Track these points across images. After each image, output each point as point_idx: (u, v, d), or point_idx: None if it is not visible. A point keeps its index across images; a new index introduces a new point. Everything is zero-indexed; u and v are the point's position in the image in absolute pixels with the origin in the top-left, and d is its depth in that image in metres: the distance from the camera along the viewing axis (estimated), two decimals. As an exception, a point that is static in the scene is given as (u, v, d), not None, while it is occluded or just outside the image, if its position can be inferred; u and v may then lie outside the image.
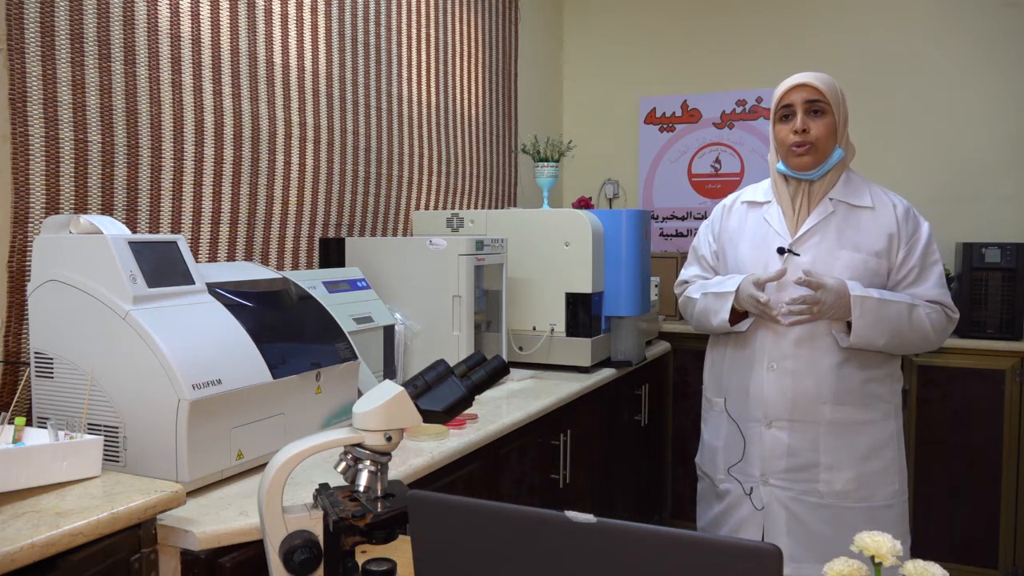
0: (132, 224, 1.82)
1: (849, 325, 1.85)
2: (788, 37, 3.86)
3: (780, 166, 1.97)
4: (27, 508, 1.09)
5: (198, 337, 1.37)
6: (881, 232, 1.90)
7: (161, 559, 1.18)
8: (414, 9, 2.87)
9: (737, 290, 1.92)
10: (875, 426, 1.92)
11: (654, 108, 4.18)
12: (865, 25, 3.72)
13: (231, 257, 2.12)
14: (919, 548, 3.14)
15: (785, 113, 1.92)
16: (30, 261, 1.55)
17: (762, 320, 1.94)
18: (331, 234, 2.50)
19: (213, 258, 2.06)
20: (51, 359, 1.38)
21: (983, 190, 3.54)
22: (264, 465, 1.11)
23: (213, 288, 1.52)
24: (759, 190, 2.08)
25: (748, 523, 1.99)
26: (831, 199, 1.93)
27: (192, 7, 1.96)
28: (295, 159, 2.31)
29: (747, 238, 2.02)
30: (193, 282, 1.47)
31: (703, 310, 2.04)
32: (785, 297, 1.87)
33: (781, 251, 1.92)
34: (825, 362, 1.90)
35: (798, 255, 1.91)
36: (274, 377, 1.45)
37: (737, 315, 1.96)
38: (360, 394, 1.63)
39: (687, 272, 2.21)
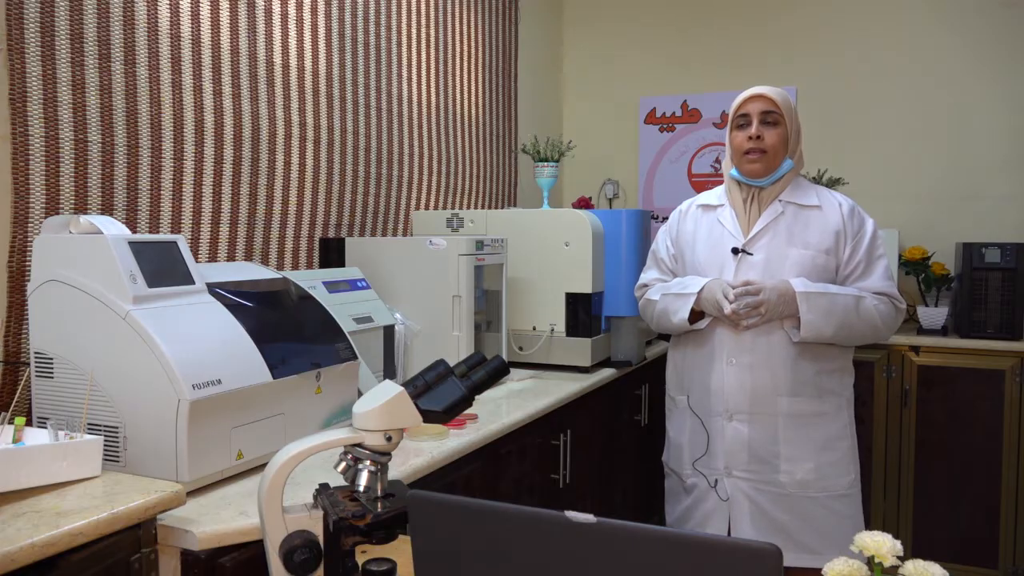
0: (132, 224, 1.82)
1: (799, 321, 1.94)
2: (788, 38, 3.86)
3: (733, 171, 2.07)
4: (27, 508, 1.09)
5: (198, 337, 1.37)
6: (828, 230, 2.00)
7: (161, 559, 1.18)
8: (414, 9, 2.87)
9: (700, 292, 2.00)
10: (829, 418, 2.02)
11: (654, 108, 4.18)
12: (865, 25, 3.72)
13: (231, 257, 2.12)
14: (919, 548, 3.15)
15: (741, 122, 2.02)
16: (30, 261, 1.55)
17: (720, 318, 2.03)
18: (331, 234, 2.50)
19: (213, 258, 2.06)
20: (51, 359, 1.38)
21: (983, 190, 3.54)
22: (264, 465, 1.11)
23: (213, 288, 1.52)
24: (713, 195, 2.18)
25: (714, 515, 2.06)
26: (780, 200, 2.04)
27: (192, 7, 1.96)
28: (295, 159, 2.31)
29: (702, 240, 2.11)
30: (193, 282, 1.47)
31: (663, 310, 2.12)
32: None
33: (735, 251, 2.02)
34: (780, 355, 1.98)
35: (751, 254, 2.01)
36: (274, 377, 1.45)
37: (695, 315, 2.04)
38: (360, 394, 1.63)
39: (646, 276, 2.29)
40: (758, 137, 1.98)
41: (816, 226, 2.01)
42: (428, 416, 1.06)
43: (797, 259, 1.98)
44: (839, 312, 1.93)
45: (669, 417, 2.25)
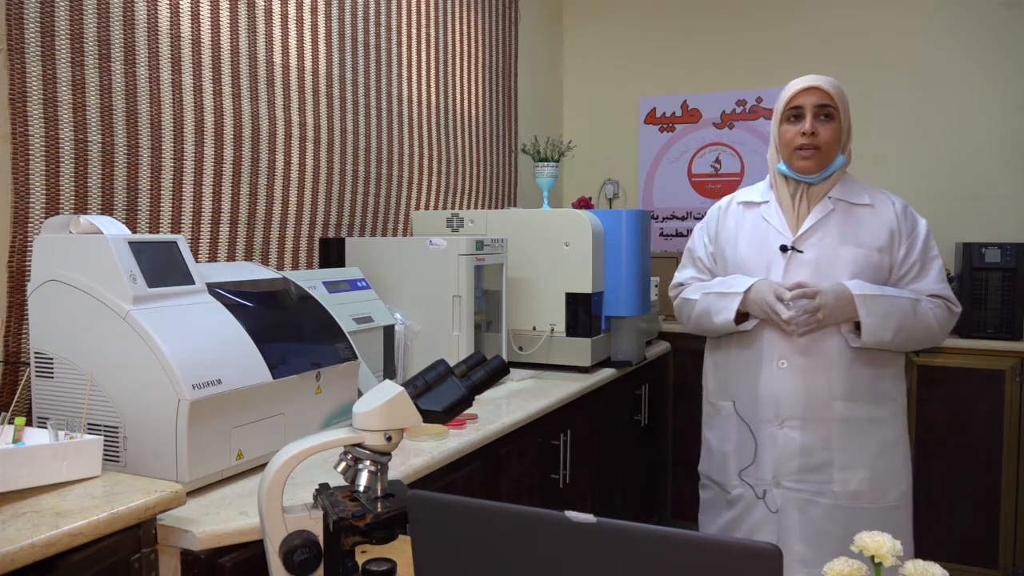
0: (132, 224, 1.82)
1: (857, 325, 1.84)
2: (788, 37, 3.86)
3: (782, 166, 1.96)
4: (27, 508, 1.09)
5: (198, 337, 1.37)
6: (882, 228, 1.90)
7: (161, 559, 1.18)
8: (414, 9, 2.87)
9: (747, 292, 1.90)
10: (885, 424, 1.91)
11: (654, 108, 4.18)
12: (864, 25, 3.72)
13: (231, 257, 2.12)
14: (919, 548, 3.14)
15: (794, 114, 1.91)
16: (30, 261, 1.55)
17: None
18: (331, 234, 2.50)
19: (213, 258, 2.06)
20: (51, 359, 1.38)
21: (983, 190, 3.54)
22: (264, 465, 1.11)
23: (213, 288, 1.52)
24: (755, 191, 2.07)
25: (761, 528, 1.94)
26: (830, 197, 1.93)
27: (192, 7, 1.96)
28: (295, 159, 2.31)
29: (746, 237, 2.00)
30: (193, 282, 1.47)
31: (704, 310, 2.01)
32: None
33: (784, 248, 1.91)
34: (835, 357, 1.87)
35: (801, 252, 1.90)
36: (274, 377, 1.45)
37: (740, 315, 1.94)
38: (360, 394, 1.63)
39: (682, 274, 2.18)
40: (812, 133, 1.86)
41: (869, 224, 1.90)
42: (428, 416, 1.06)
43: (851, 258, 1.87)
44: (898, 315, 1.83)
45: (709, 424, 2.12)
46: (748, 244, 1.99)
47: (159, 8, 1.87)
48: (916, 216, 1.96)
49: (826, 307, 1.81)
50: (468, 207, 3.33)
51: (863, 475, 1.88)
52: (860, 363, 1.88)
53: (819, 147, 1.87)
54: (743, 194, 2.09)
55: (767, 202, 2.00)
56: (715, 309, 1.97)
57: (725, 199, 2.14)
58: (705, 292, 2.02)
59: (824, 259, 1.88)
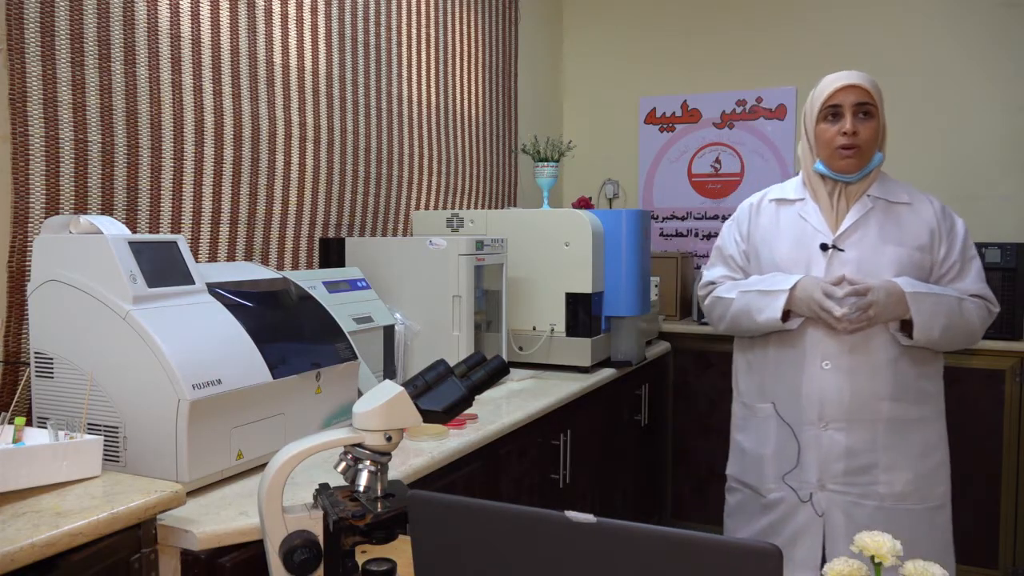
0: (132, 224, 1.82)
1: (902, 323, 1.82)
2: (788, 37, 3.86)
3: (819, 166, 1.92)
4: (27, 508, 1.09)
5: (198, 337, 1.37)
6: (922, 227, 1.89)
7: (161, 559, 1.18)
8: (414, 9, 2.87)
9: (792, 289, 1.85)
10: (928, 423, 1.90)
11: (654, 108, 4.18)
12: (865, 25, 3.72)
13: (231, 257, 2.12)
14: (919, 548, 3.14)
15: (831, 112, 1.87)
16: (30, 261, 1.55)
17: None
18: (331, 234, 2.50)
19: (213, 258, 2.06)
20: (51, 359, 1.38)
21: (983, 190, 3.54)
22: (264, 465, 1.11)
23: (213, 288, 1.52)
24: (788, 188, 2.03)
25: (806, 532, 1.90)
26: (869, 195, 1.91)
27: (192, 7, 1.96)
28: (295, 159, 2.31)
29: (784, 236, 1.96)
30: (193, 282, 1.47)
31: (743, 309, 1.95)
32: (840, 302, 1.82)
33: (824, 247, 1.88)
34: (881, 357, 1.85)
35: (842, 250, 1.87)
36: (274, 377, 1.45)
37: (784, 313, 1.89)
38: (360, 394, 1.63)
39: (713, 273, 2.12)
40: (854, 132, 1.83)
41: (909, 223, 1.88)
42: (428, 416, 1.06)
43: (894, 256, 1.85)
44: (945, 313, 1.81)
45: (742, 427, 2.07)
46: (786, 243, 1.95)
47: (159, 8, 1.87)
48: (954, 215, 1.93)
49: (878, 304, 1.77)
50: (468, 207, 3.33)
51: (907, 476, 1.86)
52: (905, 362, 1.86)
53: (860, 146, 1.84)
54: (775, 191, 2.05)
55: (803, 200, 1.97)
56: (757, 307, 1.92)
57: (755, 196, 2.09)
58: (743, 291, 1.97)
59: (866, 258, 1.86)
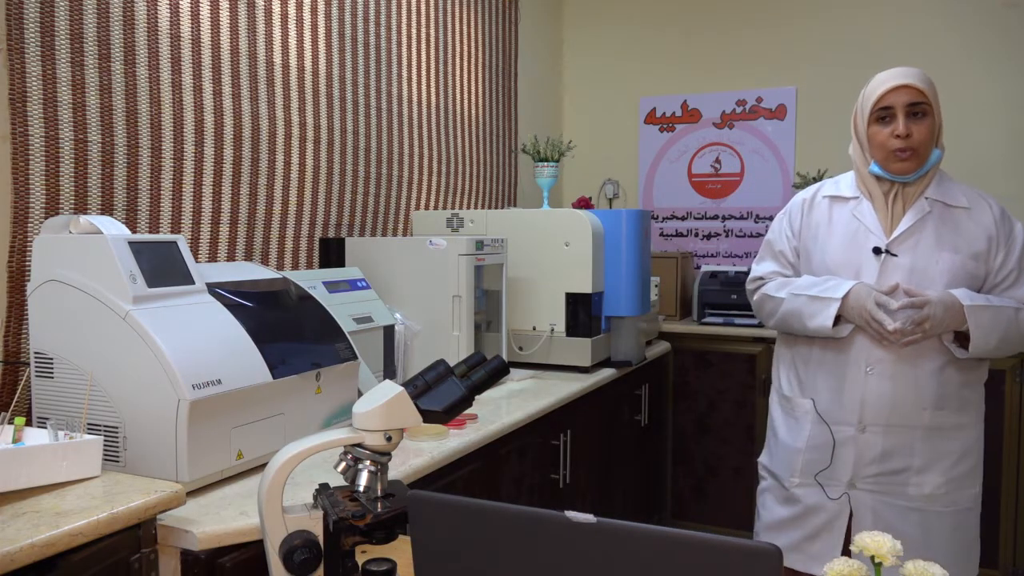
0: (132, 224, 1.82)
1: (956, 333, 1.78)
2: (788, 37, 3.86)
3: (875, 168, 1.87)
4: (27, 508, 1.09)
5: (198, 337, 1.37)
6: (980, 233, 1.83)
7: (161, 559, 1.18)
8: (414, 9, 2.87)
9: (845, 298, 1.80)
10: (967, 430, 1.86)
11: (654, 108, 4.18)
12: (865, 25, 3.72)
13: (231, 257, 2.12)
14: (919, 548, 3.14)
15: (883, 115, 1.82)
16: (30, 261, 1.55)
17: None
18: (331, 234, 2.50)
19: (213, 258, 2.06)
20: (51, 359, 1.38)
21: (983, 190, 3.52)
22: (264, 465, 1.11)
23: (213, 288, 1.52)
24: (843, 185, 1.97)
25: (830, 528, 1.89)
26: (927, 198, 1.85)
27: (192, 7, 1.96)
28: (295, 159, 2.31)
29: (836, 236, 1.91)
30: (193, 282, 1.47)
31: (795, 312, 1.90)
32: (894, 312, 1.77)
33: (877, 251, 1.83)
34: (926, 367, 1.80)
35: (896, 256, 1.82)
36: (274, 377, 1.45)
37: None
38: (360, 394, 1.63)
39: (762, 268, 2.05)
40: (908, 135, 1.78)
41: (966, 229, 1.82)
42: (428, 416, 1.06)
43: (947, 266, 1.79)
44: (1003, 326, 1.76)
45: (779, 419, 2.03)
46: (838, 243, 1.90)
47: (159, 8, 1.87)
48: (1013, 220, 1.88)
49: (934, 318, 1.71)
50: (468, 207, 3.33)
51: (939, 480, 1.83)
52: (951, 370, 1.82)
53: (915, 148, 1.80)
54: (829, 187, 1.99)
55: (857, 198, 1.91)
56: (808, 313, 1.86)
57: (809, 190, 2.03)
58: (794, 293, 1.91)
59: (919, 265, 1.80)
